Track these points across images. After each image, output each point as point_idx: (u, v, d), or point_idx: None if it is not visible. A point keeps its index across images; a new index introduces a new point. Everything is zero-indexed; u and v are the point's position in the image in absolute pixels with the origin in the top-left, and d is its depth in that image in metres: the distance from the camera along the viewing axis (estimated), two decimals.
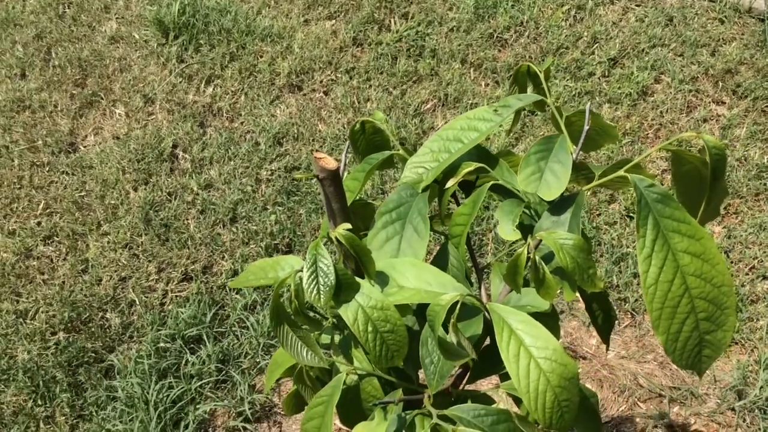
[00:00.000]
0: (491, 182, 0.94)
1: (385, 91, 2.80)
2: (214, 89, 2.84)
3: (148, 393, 1.96)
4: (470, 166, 0.93)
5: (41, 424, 1.97)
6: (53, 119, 2.75)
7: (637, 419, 1.96)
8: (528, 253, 0.81)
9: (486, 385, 1.92)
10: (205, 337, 2.11)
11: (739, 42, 2.90)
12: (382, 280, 0.87)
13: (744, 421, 1.93)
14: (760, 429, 1.92)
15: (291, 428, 1.98)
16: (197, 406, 1.98)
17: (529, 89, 1.05)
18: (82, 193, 2.51)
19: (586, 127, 0.92)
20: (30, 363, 2.06)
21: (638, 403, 1.99)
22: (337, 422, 1.83)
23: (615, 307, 2.00)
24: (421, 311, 0.96)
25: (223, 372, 2.06)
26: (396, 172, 2.52)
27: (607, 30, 2.96)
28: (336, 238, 0.84)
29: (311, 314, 0.91)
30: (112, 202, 2.47)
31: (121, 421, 1.93)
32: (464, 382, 1.00)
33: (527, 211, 0.93)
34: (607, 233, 2.33)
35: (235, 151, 2.61)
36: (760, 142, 2.58)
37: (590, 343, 2.12)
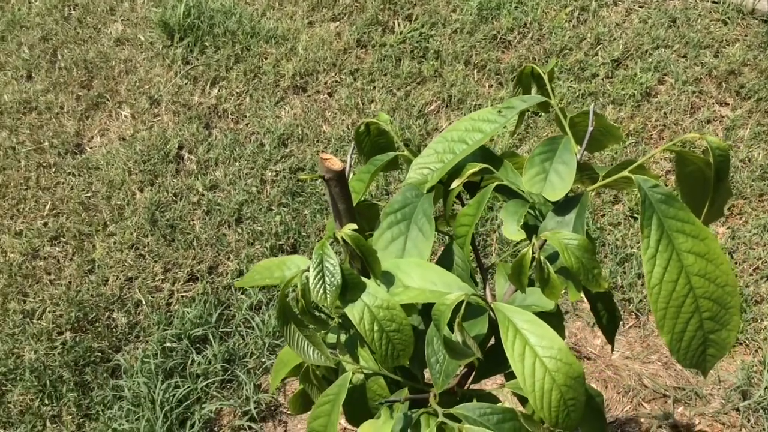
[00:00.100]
0: (496, 183, 0.95)
1: (389, 92, 2.81)
2: (219, 91, 2.85)
3: (154, 392, 1.97)
4: (475, 167, 0.93)
5: (48, 423, 1.98)
6: (59, 121, 2.77)
7: (642, 419, 1.96)
8: (533, 253, 0.81)
9: (490, 384, 1.92)
10: (210, 337, 2.12)
11: (743, 43, 2.90)
12: (387, 279, 0.88)
13: (748, 421, 1.93)
14: (764, 429, 1.92)
15: (296, 427, 1.98)
16: (203, 406, 1.99)
17: (533, 90, 1.05)
18: (89, 194, 2.52)
19: (590, 128, 0.93)
20: (37, 362, 2.07)
21: (643, 403, 1.99)
22: (342, 422, 1.83)
23: (619, 308, 2.00)
24: (426, 311, 0.97)
25: (229, 372, 2.07)
26: (400, 174, 2.52)
27: (610, 31, 2.96)
28: (342, 238, 0.85)
29: (317, 314, 0.92)
30: (119, 202, 2.48)
31: (127, 421, 1.94)
32: (469, 381, 1.00)
33: (532, 212, 0.93)
34: (611, 234, 2.34)
35: (240, 152, 2.63)
36: (764, 143, 2.58)
37: (594, 343, 2.12)
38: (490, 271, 1.95)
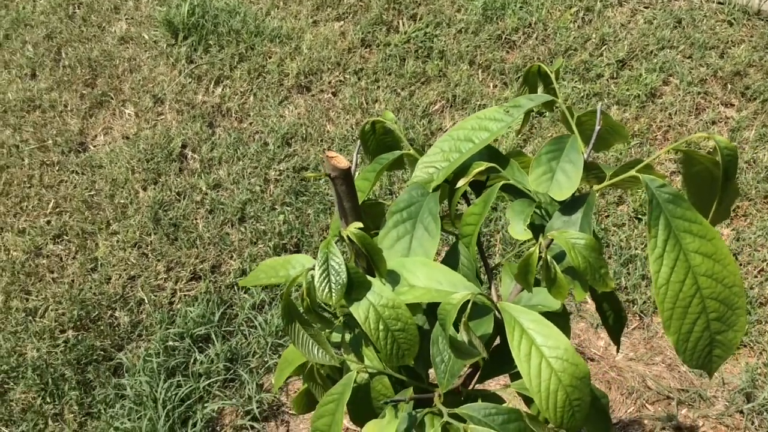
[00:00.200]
0: (502, 182, 0.94)
1: (393, 92, 2.81)
2: (223, 90, 2.85)
3: (156, 391, 1.96)
4: (481, 166, 0.93)
5: (50, 422, 1.98)
6: (63, 119, 2.77)
7: (645, 421, 1.95)
8: (540, 252, 0.81)
9: (495, 385, 1.92)
10: (213, 336, 2.12)
11: (748, 44, 2.89)
12: (393, 278, 0.88)
13: (752, 423, 1.93)
14: None
15: (299, 427, 1.98)
16: (205, 405, 1.98)
17: (539, 90, 1.05)
18: (92, 193, 2.52)
19: (598, 127, 0.92)
20: (39, 361, 2.07)
21: (646, 405, 1.99)
22: (346, 422, 1.83)
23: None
24: (431, 310, 0.96)
25: (231, 371, 2.06)
26: (404, 173, 2.52)
27: (615, 32, 2.96)
28: (348, 236, 0.85)
29: (322, 312, 0.91)
30: (122, 201, 2.48)
31: (129, 419, 1.94)
32: (474, 381, 1.00)
33: (538, 211, 0.93)
34: (615, 235, 2.33)
35: (243, 151, 2.62)
36: None
37: (598, 344, 2.12)
38: (495, 270, 1.94)
